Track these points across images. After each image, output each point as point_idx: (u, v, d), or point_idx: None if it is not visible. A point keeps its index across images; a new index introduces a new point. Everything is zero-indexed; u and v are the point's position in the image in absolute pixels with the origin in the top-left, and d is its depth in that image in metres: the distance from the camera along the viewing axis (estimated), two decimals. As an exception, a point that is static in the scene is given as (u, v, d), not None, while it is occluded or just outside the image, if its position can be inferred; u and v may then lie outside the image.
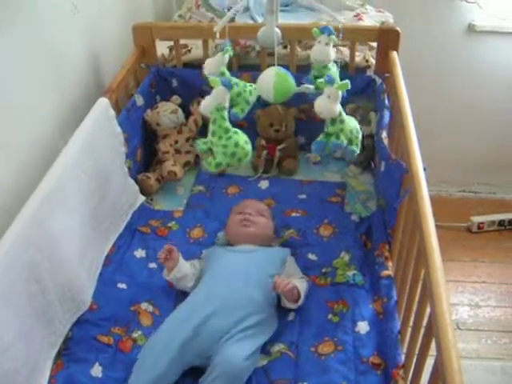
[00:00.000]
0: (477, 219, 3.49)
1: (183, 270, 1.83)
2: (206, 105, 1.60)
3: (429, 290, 1.30)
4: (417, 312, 1.48)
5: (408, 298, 1.61)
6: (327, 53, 1.64)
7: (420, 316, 1.45)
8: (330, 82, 1.54)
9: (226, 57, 1.70)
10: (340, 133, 1.62)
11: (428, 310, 1.33)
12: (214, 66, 1.70)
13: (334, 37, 1.62)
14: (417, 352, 1.46)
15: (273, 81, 1.57)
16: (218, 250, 1.98)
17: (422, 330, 1.41)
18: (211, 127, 1.60)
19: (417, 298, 1.51)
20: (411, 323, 1.56)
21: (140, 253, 2.02)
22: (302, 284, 1.81)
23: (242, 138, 1.61)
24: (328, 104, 1.55)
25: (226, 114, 1.59)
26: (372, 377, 1.59)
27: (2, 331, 1.38)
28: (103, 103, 2.00)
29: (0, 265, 1.39)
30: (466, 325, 2.90)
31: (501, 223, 3.51)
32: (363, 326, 1.72)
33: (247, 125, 2.47)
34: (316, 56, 1.66)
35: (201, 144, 1.65)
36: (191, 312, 1.69)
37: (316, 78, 1.68)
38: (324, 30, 1.62)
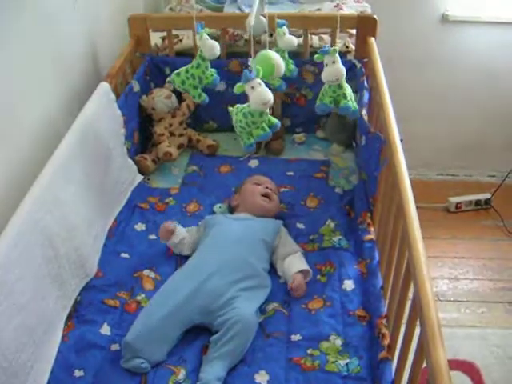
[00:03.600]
0: (454, 199, 3.66)
1: (180, 236, 2.01)
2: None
3: (406, 237, 1.45)
4: (397, 264, 1.63)
5: (389, 256, 1.76)
6: (337, 71, 1.93)
7: (399, 264, 1.59)
8: (327, 51, 1.89)
9: None
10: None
11: (406, 259, 1.48)
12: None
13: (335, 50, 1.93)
14: (397, 301, 1.60)
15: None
16: (218, 217, 2.12)
17: (402, 278, 1.55)
18: None
19: (396, 254, 1.66)
20: (392, 279, 1.71)
21: (140, 226, 2.16)
22: (303, 262, 1.93)
23: None
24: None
25: None
26: (358, 327, 1.74)
27: (23, 288, 1.51)
28: (105, 87, 2.13)
29: (19, 228, 1.52)
30: (446, 296, 3.07)
31: (477, 203, 3.68)
32: (349, 284, 1.88)
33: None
34: (328, 77, 1.93)
35: None
36: (192, 272, 1.83)
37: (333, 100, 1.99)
38: (324, 51, 1.91)
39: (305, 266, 1.91)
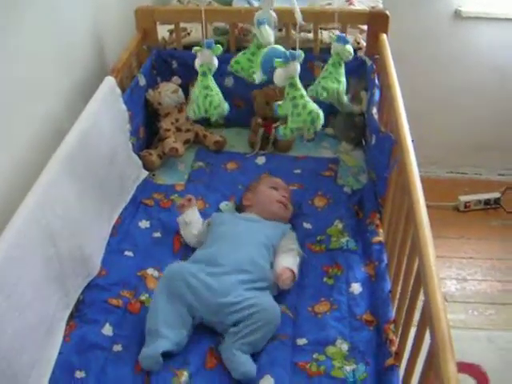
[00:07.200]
0: (464, 198, 3.61)
1: (193, 217, 2.03)
2: None
3: (417, 242, 1.42)
4: (406, 268, 1.59)
5: (398, 259, 1.72)
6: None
7: (409, 269, 1.56)
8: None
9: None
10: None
11: (416, 264, 1.45)
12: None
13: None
14: (406, 306, 1.57)
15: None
16: (226, 215, 2.10)
17: (411, 284, 1.52)
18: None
19: (406, 258, 1.62)
20: (401, 283, 1.67)
21: (144, 223, 2.13)
22: (296, 263, 1.89)
23: None
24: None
25: None
26: (365, 332, 1.71)
27: (24, 289, 1.48)
28: (110, 81, 2.10)
29: (21, 227, 1.49)
30: (454, 297, 3.02)
31: (486, 202, 3.62)
32: (356, 287, 1.84)
33: (244, 104, 2.59)
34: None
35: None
36: (206, 264, 1.80)
37: None
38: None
39: (295, 267, 1.87)
